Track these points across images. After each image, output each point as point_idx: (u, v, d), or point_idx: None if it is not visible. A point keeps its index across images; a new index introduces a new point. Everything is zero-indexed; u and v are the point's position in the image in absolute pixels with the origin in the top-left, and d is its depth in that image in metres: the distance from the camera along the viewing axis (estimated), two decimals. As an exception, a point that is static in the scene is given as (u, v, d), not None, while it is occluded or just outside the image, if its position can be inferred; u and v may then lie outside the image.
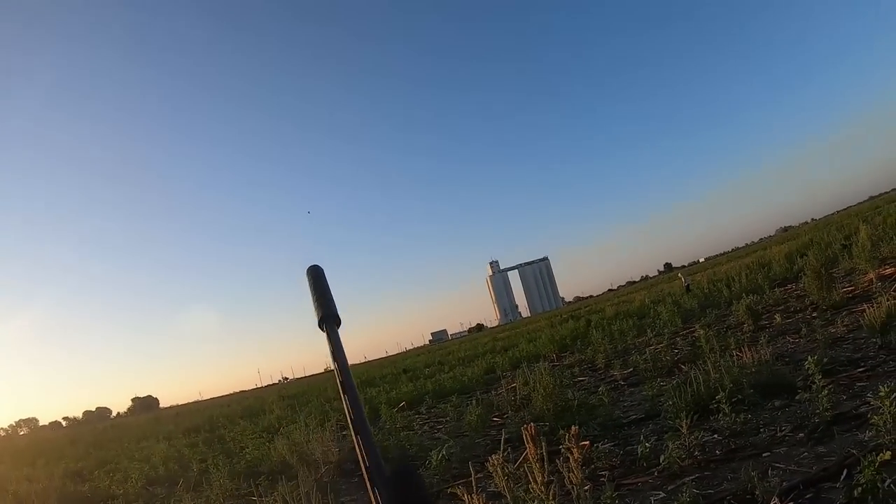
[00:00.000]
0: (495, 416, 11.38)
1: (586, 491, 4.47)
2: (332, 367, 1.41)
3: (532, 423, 4.53)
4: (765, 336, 10.64)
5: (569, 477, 4.33)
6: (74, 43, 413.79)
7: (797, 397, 6.56)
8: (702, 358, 10.07)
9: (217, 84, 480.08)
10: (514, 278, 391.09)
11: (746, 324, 13.89)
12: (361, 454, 1.24)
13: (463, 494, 4.13)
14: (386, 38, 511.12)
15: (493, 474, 4.45)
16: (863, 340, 8.92)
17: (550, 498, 3.49)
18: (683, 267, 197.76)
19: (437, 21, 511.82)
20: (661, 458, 5.88)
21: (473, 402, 12.43)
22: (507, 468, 4.51)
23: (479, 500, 4.11)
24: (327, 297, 1.55)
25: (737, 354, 9.27)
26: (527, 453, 4.23)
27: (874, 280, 13.81)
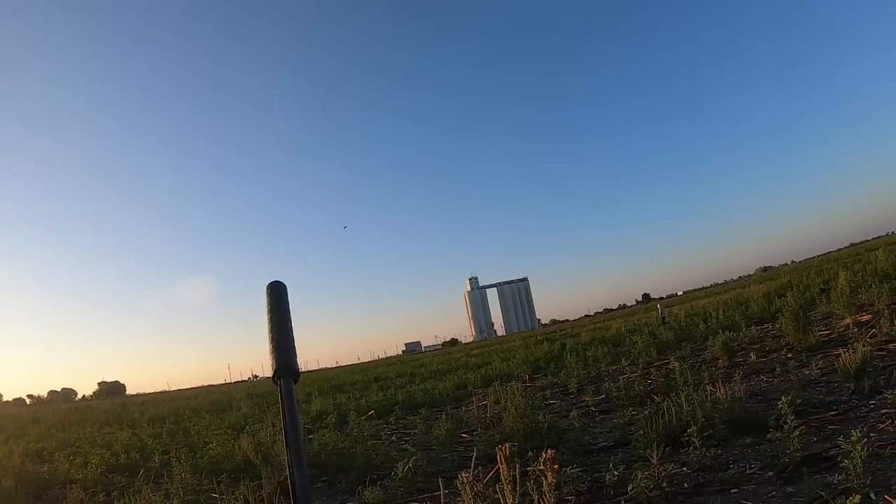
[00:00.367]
0: (464, 433, 11.36)
1: (554, 515, 4.45)
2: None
3: (507, 444, 4.51)
4: (739, 373, 10.71)
5: (539, 500, 4.32)
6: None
7: (768, 436, 6.60)
8: (675, 390, 10.10)
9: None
10: (493, 296, 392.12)
11: (721, 359, 13.97)
12: None
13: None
14: (378, 48, 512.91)
15: (462, 492, 4.42)
16: (836, 384, 9.00)
17: (520, 520, 3.48)
18: (662, 298, 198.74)
19: (417, 31, 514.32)
20: (630, 487, 5.87)
21: (443, 416, 12.38)
22: (476, 486, 4.49)
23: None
24: (286, 343, 1.51)
25: (710, 389, 9.31)
26: (495, 472, 4.21)
27: (851, 325, 13.98)
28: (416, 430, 12.85)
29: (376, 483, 7.66)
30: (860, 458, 4.73)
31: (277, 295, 1.57)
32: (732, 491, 5.61)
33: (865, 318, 14.54)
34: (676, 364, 12.76)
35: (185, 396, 66.85)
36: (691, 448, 6.56)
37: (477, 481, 4.50)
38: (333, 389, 33.04)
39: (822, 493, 4.76)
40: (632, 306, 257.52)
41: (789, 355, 12.79)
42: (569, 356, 22.98)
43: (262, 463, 9.47)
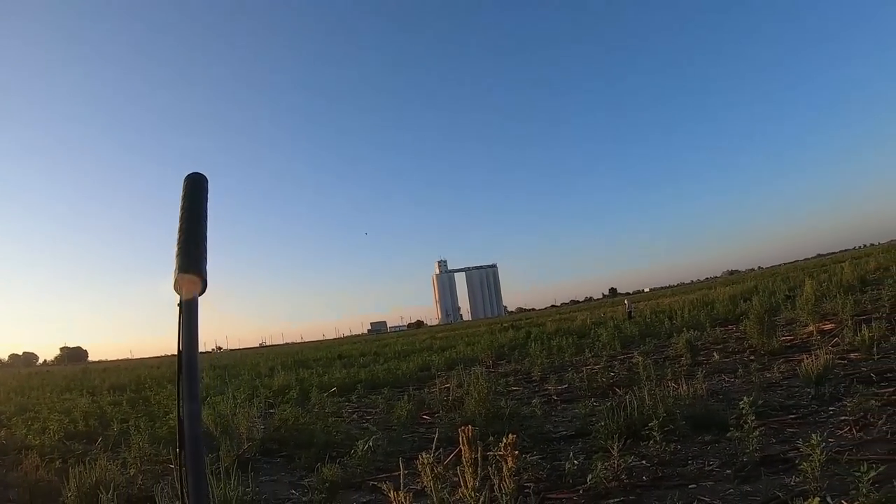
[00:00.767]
0: (425, 414, 11.37)
1: (515, 502, 4.45)
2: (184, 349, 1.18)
3: (469, 426, 4.48)
4: (702, 371, 10.85)
5: (499, 485, 4.31)
6: None
7: (728, 435, 6.66)
8: (638, 384, 10.19)
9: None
10: (461, 280, 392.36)
11: (685, 357, 14.14)
12: (182, 486, 1.11)
13: (389, 490, 4.07)
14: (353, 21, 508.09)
15: (421, 473, 4.39)
16: (797, 389, 9.14)
17: (479, 504, 3.46)
18: (628, 294, 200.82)
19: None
20: (589, 476, 5.91)
21: (405, 397, 12.40)
22: (436, 468, 4.46)
23: (404, 497, 4.06)
24: (195, 245, 1.25)
25: (673, 385, 9.41)
26: (455, 455, 4.19)
27: (814, 333, 14.23)
28: (377, 410, 12.86)
29: (335, 461, 7.62)
30: (818, 461, 4.80)
31: (194, 189, 1.32)
32: (690, 486, 5.67)
33: (829, 326, 14.79)
34: (640, 359, 12.90)
35: (147, 365, 66.28)
36: (651, 442, 6.62)
37: (437, 463, 4.48)
38: (297, 365, 33.01)
39: (780, 494, 4.82)
40: (598, 300, 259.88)
41: (752, 357, 12.98)
42: (533, 345, 23.20)
43: (221, 435, 9.38)
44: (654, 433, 6.57)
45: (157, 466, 8.47)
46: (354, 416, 12.91)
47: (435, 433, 8.32)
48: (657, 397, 8.02)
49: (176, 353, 1.15)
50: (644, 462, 6.59)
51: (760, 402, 8.11)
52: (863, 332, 11.10)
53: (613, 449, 6.16)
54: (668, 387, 9.26)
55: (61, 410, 15.25)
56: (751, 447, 6.05)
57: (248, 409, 9.91)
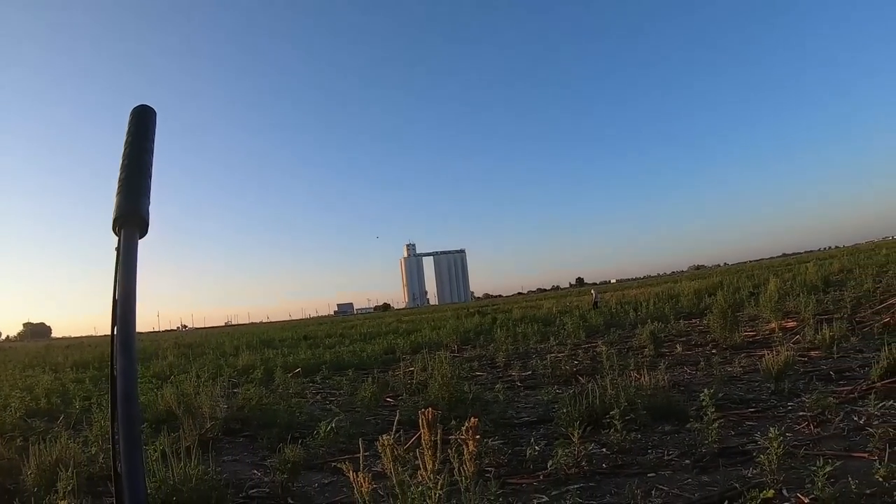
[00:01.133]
0: (389, 397, 11.38)
1: (475, 485, 4.46)
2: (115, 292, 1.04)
3: (430, 408, 4.47)
4: (664, 363, 10.98)
5: (460, 468, 4.31)
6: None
7: (688, 426, 6.77)
8: (601, 373, 10.29)
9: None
10: (429, 264, 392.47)
11: (648, 348, 14.30)
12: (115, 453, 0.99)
13: (348, 470, 4.05)
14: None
15: (382, 454, 4.37)
16: (757, 383, 9.30)
17: (438, 487, 3.44)
18: (595, 284, 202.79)
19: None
20: (549, 462, 5.97)
21: (369, 379, 12.38)
22: (397, 450, 4.45)
23: (364, 478, 4.03)
24: (138, 182, 1.14)
25: (635, 375, 9.52)
26: (417, 438, 4.17)
27: (776, 330, 14.49)
28: (341, 391, 12.85)
29: (298, 441, 7.59)
30: (776, 455, 4.89)
31: (140, 123, 1.21)
32: (650, 475, 5.74)
33: (791, 324, 15.05)
34: (604, 348, 13.04)
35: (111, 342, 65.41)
36: (612, 430, 6.69)
37: (398, 445, 4.46)
38: (262, 345, 32.91)
39: (737, 486, 4.90)
40: (565, 289, 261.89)
41: (714, 351, 13.16)
42: (499, 331, 23.28)
43: (184, 414, 9.29)
44: (616, 422, 6.64)
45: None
46: (318, 397, 12.87)
47: (399, 416, 8.32)
48: (619, 387, 8.09)
49: (113, 304, 1.01)
50: (604, 450, 6.66)
51: (721, 394, 8.24)
52: (824, 331, 11.31)
53: (574, 436, 6.20)
54: (630, 377, 9.36)
55: (23, 387, 14.93)
56: (710, 438, 6.16)
57: (211, 389, 9.82)
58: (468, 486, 4.33)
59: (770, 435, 5.04)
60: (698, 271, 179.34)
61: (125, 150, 1.17)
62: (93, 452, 7.79)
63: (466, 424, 4.44)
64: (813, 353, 10.90)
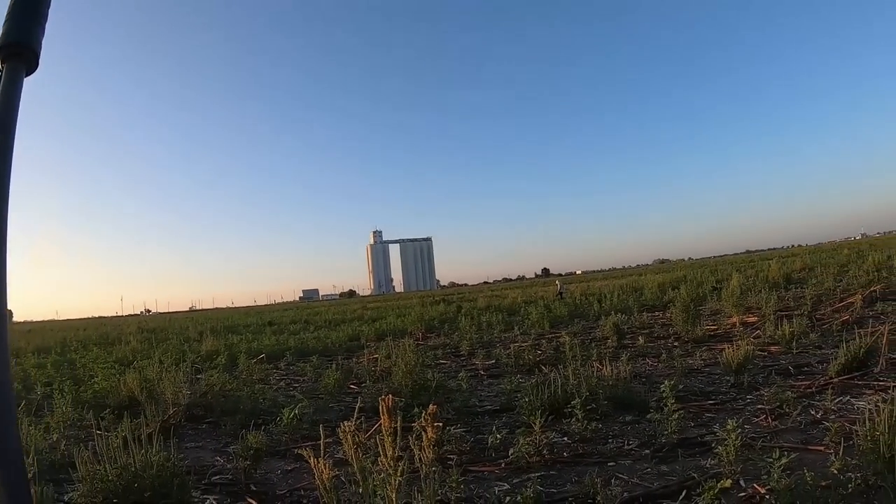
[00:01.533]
0: (353, 384, 11.37)
1: (434, 472, 4.47)
2: None
3: (390, 395, 4.47)
4: (626, 354, 11.08)
5: (420, 455, 4.32)
6: None
7: (648, 416, 6.85)
8: (563, 363, 10.39)
9: None
10: (395, 252, 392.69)
11: (611, 339, 14.45)
12: None
13: (309, 457, 4.03)
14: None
15: (343, 441, 4.37)
16: (717, 376, 9.46)
17: (398, 474, 3.45)
18: (560, 275, 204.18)
19: None
20: (511, 451, 6.02)
21: (333, 365, 12.36)
22: (358, 437, 4.44)
23: (325, 464, 4.02)
24: (32, 6, 0.94)
25: (597, 366, 9.60)
26: (379, 425, 4.17)
27: (737, 324, 14.74)
28: (305, 378, 12.84)
29: (261, 428, 7.55)
30: (734, 446, 4.98)
31: None
32: (610, 464, 5.82)
33: (752, 319, 15.33)
34: (567, 338, 13.15)
35: (73, 327, 64.76)
36: (574, 420, 6.77)
37: (359, 431, 4.45)
38: (226, 330, 32.71)
39: (695, 475, 4.99)
40: (531, 279, 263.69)
41: (676, 344, 13.36)
42: (464, 319, 23.39)
43: (146, 400, 9.18)
44: (577, 411, 6.72)
45: (80, 431, 8.22)
46: (282, 383, 12.80)
47: (362, 403, 8.31)
48: (581, 377, 8.17)
49: None
50: (566, 439, 6.73)
51: (681, 386, 8.39)
52: (784, 326, 11.52)
53: (536, 425, 6.25)
54: (592, 367, 9.44)
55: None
56: (669, 429, 6.27)
57: (174, 375, 9.71)
58: (428, 472, 4.34)
59: (728, 427, 5.12)
60: (663, 265, 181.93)
61: None
62: (54, 439, 7.69)
63: (426, 412, 4.46)
64: (773, 349, 11.10)
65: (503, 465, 5.95)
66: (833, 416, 6.36)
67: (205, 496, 5.64)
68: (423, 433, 4.44)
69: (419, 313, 28.79)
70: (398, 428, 4.04)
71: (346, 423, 4.43)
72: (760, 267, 39.32)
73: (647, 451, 6.07)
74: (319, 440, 3.77)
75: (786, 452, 4.65)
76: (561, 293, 36.96)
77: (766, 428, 6.43)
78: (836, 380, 8.03)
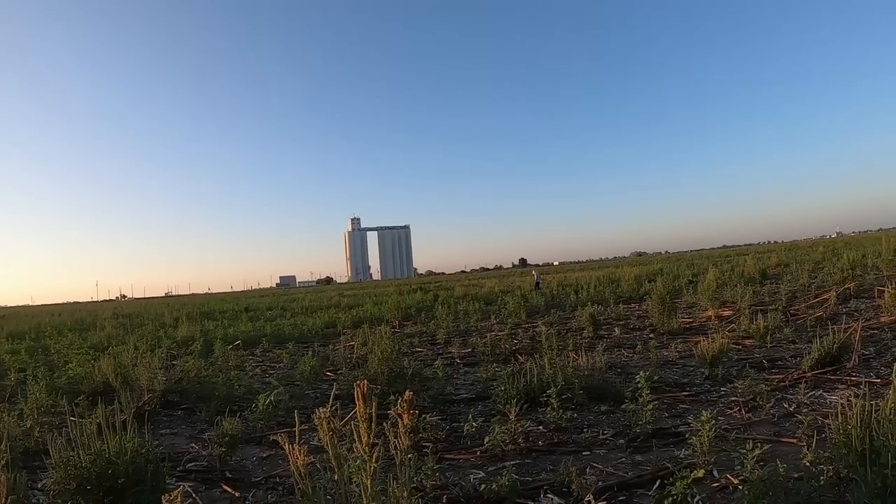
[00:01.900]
0: (329, 371, 11.37)
1: (409, 459, 4.48)
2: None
3: (365, 381, 4.46)
4: (602, 345, 11.18)
5: (395, 442, 4.32)
6: None
7: (623, 406, 6.91)
8: (539, 352, 10.44)
9: None
10: (373, 239, 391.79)
11: (587, 330, 14.55)
12: None
13: (284, 443, 4.02)
14: None
15: (319, 427, 4.36)
16: (692, 368, 9.57)
17: (373, 460, 3.45)
18: (538, 265, 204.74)
19: None
20: (486, 439, 6.05)
21: (310, 352, 12.36)
22: (334, 423, 4.43)
23: (300, 451, 4.01)
24: None
25: (573, 356, 9.66)
26: (355, 412, 4.16)
27: (713, 318, 14.90)
28: (281, 364, 12.86)
29: (237, 414, 7.51)
30: (707, 437, 5.06)
31: None
32: (584, 453, 5.87)
33: (727, 313, 15.51)
34: (544, 328, 13.21)
35: (48, 312, 64.38)
36: (549, 409, 6.83)
37: (335, 418, 4.44)
38: (202, 316, 32.63)
39: (669, 465, 5.04)
40: (508, 269, 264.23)
41: (651, 335, 13.48)
42: (440, 308, 23.43)
43: (121, 386, 9.10)
44: (552, 400, 6.78)
45: (54, 418, 8.12)
46: (258, 370, 12.78)
47: (338, 390, 8.33)
48: (557, 366, 8.21)
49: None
50: (541, 427, 6.78)
51: (656, 377, 8.45)
52: (759, 321, 11.66)
53: (512, 413, 6.29)
54: (568, 357, 9.49)
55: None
56: (644, 419, 6.34)
57: (149, 361, 9.64)
58: (403, 459, 4.35)
59: (702, 418, 5.20)
60: (640, 258, 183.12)
61: None
62: (28, 426, 7.62)
63: (402, 398, 4.47)
64: (747, 342, 11.25)
65: (479, 453, 5.99)
66: (806, 410, 6.45)
67: (180, 483, 5.61)
68: (398, 420, 4.46)
69: (396, 301, 28.79)
70: (373, 414, 4.04)
71: (321, 410, 4.42)
72: (736, 262, 39.75)
73: (621, 440, 6.13)
74: (295, 427, 3.76)
75: (759, 444, 4.71)
76: (538, 283, 37.12)
77: (740, 420, 6.53)
78: (809, 374, 8.15)
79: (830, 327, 9.20)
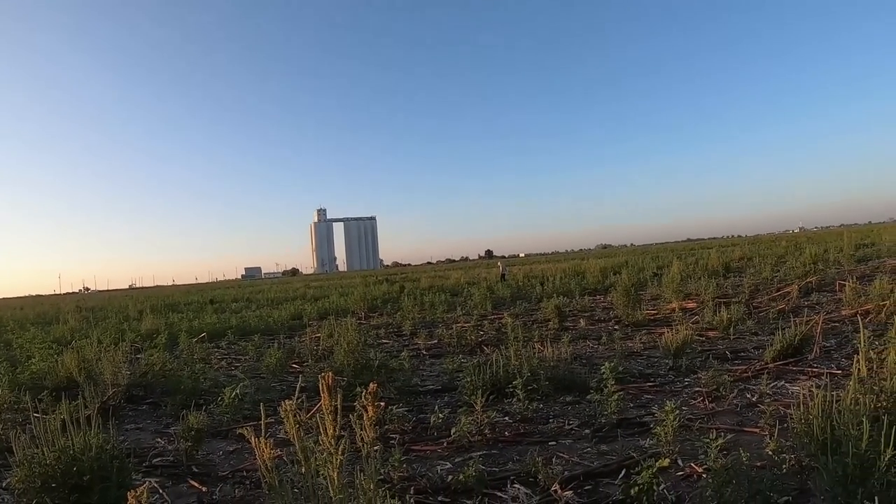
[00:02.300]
0: (295, 363, 11.31)
1: (376, 451, 4.47)
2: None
3: (329, 373, 4.44)
4: (568, 336, 11.26)
5: (360, 434, 4.32)
6: None
7: (588, 397, 6.99)
8: (505, 343, 10.49)
9: None
10: (339, 230, 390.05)
11: (553, 321, 14.66)
12: None
13: (250, 437, 3.99)
14: None
15: (285, 420, 4.34)
16: (656, 359, 9.70)
17: (339, 453, 3.44)
18: (504, 257, 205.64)
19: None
20: (453, 430, 6.07)
21: (276, 345, 12.30)
22: (300, 416, 4.41)
23: (266, 444, 3.98)
24: None
25: (539, 347, 9.74)
26: (321, 404, 4.14)
27: (677, 310, 15.09)
28: (247, 357, 12.78)
29: (202, 408, 7.43)
30: (672, 427, 5.13)
31: None
32: (550, 443, 5.93)
33: (691, 305, 15.73)
34: (510, 320, 13.30)
35: (9, 306, 63.05)
36: (515, 399, 6.89)
37: (300, 410, 4.41)
38: (167, 308, 32.14)
39: (634, 455, 5.11)
40: (474, 260, 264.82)
41: (616, 327, 13.64)
42: (406, 299, 23.42)
43: (85, 381, 8.94)
44: (518, 391, 6.84)
45: (17, 415, 7.95)
46: (224, 362, 12.70)
47: (305, 383, 8.29)
48: (523, 357, 8.26)
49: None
50: (507, 418, 6.83)
51: (621, 368, 8.55)
52: (722, 313, 11.85)
53: (478, 404, 6.33)
54: (534, 348, 9.56)
55: None
56: (609, 410, 6.41)
57: (113, 354, 9.49)
58: (369, 451, 4.34)
59: (667, 408, 5.28)
60: (605, 250, 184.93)
61: None
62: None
63: (366, 390, 4.46)
64: (711, 334, 11.42)
65: (445, 445, 6.01)
66: (768, 400, 6.59)
67: (146, 479, 5.54)
68: (364, 412, 4.45)
69: (362, 293, 28.73)
70: (339, 407, 4.03)
71: (286, 403, 4.39)
72: (701, 255, 40.28)
73: (587, 430, 6.20)
74: (261, 420, 3.74)
75: (722, 433, 4.83)
76: (504, 275, 37.28)
77: (704, 410, 6.63)
78: (771, 365, 8.31)
79: (792, 320, 9.42)
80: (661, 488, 4.20)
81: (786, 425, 4.99)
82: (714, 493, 3.95)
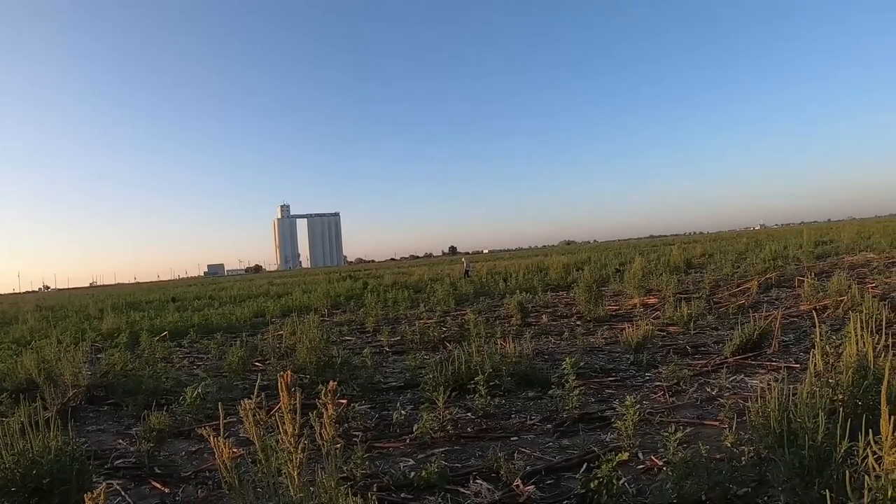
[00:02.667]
0: (257, 361, 11.22)
1: (337, 449, 4.46)
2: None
3: (288, 372, 4.42)
4: (530, 332, 11.36)
5: (320, 432, 4.30)
6: None
7: (550, 392, 7.06)
8: (468, 340, 10.52)
9: None
10: (302, 227, 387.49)
11: (515, 318, 14.75)
12: None
13: (210, 437, 3.96)
14: None
15: (244, 419, 4.31)
16: (618, 354, 9.81)
17: (299, 451, 3.42)
18: (467, 254, 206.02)
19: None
20: (415, 427, 6.07)
21: (238, 343, 12.17)
22: (259, 415, 4.37)
23: (225, 444, 3.95)
24: None
25: (501, 343, 9.78)
26: (281, 403, 4.11)
27: (638, 305, 15.30)
28: (209, 356, 12.66)
29: (164, 408, 7.33)
30: (632, 421, 5.20)
31: None
32: (512, 439, 5.97)
33: (652, 301, 15.95)
34: (472, 316, 13.34)
35: None
36: (477, 395, 6.89)
37: (260, 409, 4.37)
38: (128, 307, 31.74)
39: (595, 449, 5.17)
40: (438, 256, 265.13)
41: (578, 323, 13.77)
42: (370, 296, 23.44)
43: (44, 382, 8.75)
44: (480, 387, 6.85)
45: None
46: (185, 361, 12.53)
47: (267, 381, 8.24)
48: (485, 354, 8.30)
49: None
50: (469, 414, 6.85)
51: (583, 363, 8.68)
52: (683, 308, 12.03)
53: (440, 401, 6.34)
54: (496, 344, 9.61)
55: None
56: (571, 405, 6.48)
57: (74, 354, 9.31)
58: (330, 450, 4.33)
59: (627, 402, 5.35)
60: (569, 246, 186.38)
61: None
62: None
63: (325, 388, 4.44)
64: (671, 329, 11.59)
65: (408, 441, 6.02)
66: (728, 394, 6.71)
67: (107, 481, 5.46)
68: (324, 410, 4.43)
69: (325, 289, 28.63)
70: (298, 405, 4.01)
71: (245, 402, 4.35)
72: (662, 252, 40.85)
73: (549, 425, 6.25)
74: (224, 419, 3.70)
75: (682, 427, 4.90)
76: (467, 271, 37.36)
77: (664, 404, 6.73)
78: (731, 359, 8.46)
79: (752, 315, 9.58)
80: (621, 482, 4.24)
81: (745, 418, 5.08)
82: (674, 485, 4.01)
